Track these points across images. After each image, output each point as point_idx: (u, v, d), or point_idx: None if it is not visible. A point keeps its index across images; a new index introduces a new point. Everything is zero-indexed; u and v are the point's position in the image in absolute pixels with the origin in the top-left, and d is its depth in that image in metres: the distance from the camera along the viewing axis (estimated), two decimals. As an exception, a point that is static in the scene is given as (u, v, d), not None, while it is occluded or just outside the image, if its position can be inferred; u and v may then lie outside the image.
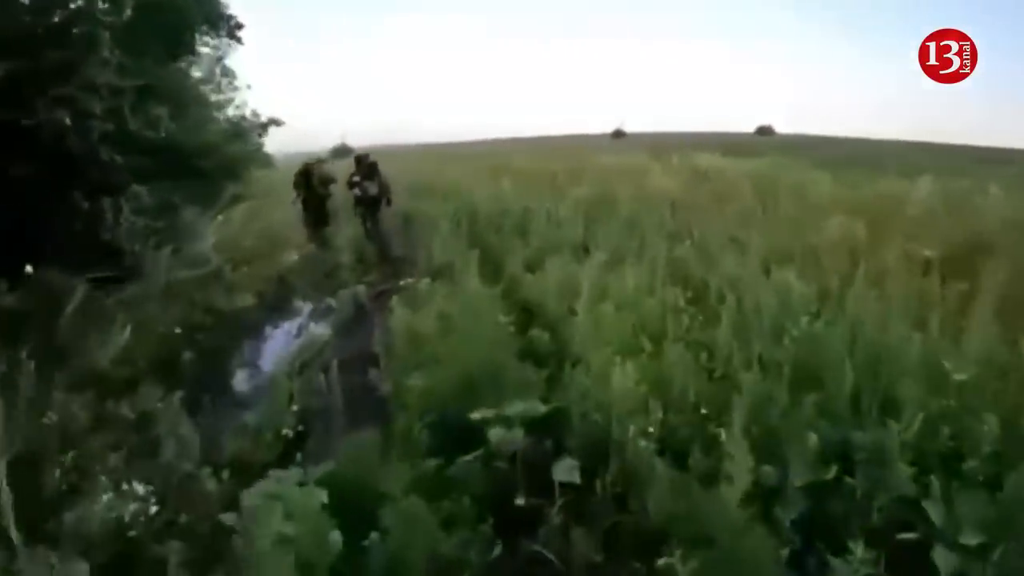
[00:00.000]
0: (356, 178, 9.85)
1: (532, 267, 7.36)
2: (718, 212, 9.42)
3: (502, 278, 7.05)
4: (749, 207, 9.58)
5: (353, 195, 9.94)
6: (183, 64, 13.51)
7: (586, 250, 7.90)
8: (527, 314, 6.08)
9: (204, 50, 14.53)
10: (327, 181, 10.98)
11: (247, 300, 7.19)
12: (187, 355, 5.67)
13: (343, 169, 11.38)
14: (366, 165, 10.05)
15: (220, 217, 8.88)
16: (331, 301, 7.19)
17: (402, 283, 6.86)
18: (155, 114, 8.28)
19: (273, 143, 16.07)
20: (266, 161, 17.78)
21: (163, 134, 8.46)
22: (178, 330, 6.26)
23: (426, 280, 6.47)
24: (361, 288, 7.26)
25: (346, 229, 10.43)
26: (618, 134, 42.90)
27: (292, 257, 8.63)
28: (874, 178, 14.06)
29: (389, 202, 10.21)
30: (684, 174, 15.13)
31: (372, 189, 9.78)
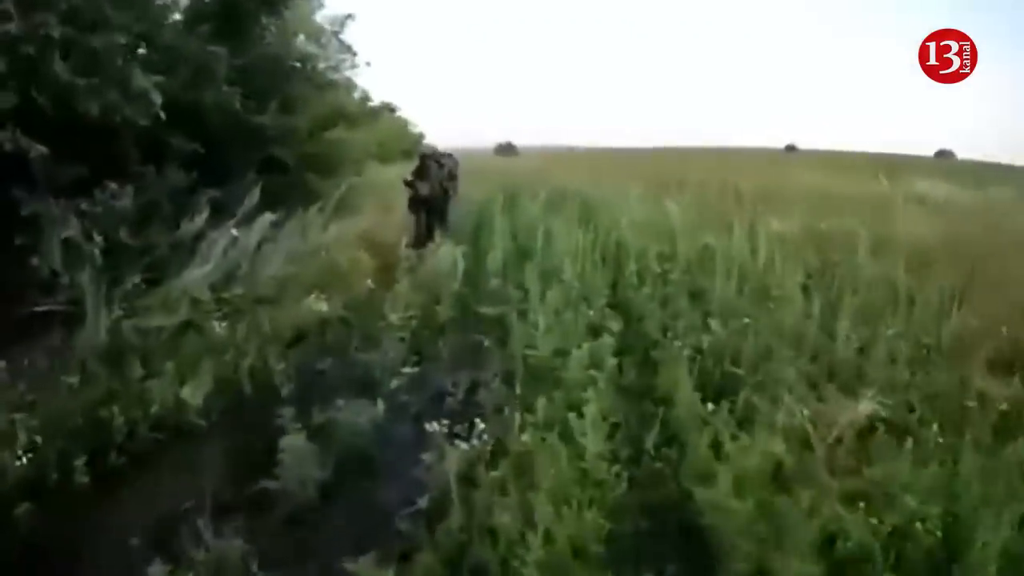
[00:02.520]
0: (409, 177, 8.90)
1: (709, 388, 3.66)
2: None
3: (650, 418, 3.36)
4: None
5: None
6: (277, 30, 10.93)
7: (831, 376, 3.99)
8: None
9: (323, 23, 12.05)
10: (451, 176, 9.86)
11: (196, 397, 4.01)
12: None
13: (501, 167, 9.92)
14: (423, 163, 9.03)
15: (235, 231, 5.80)
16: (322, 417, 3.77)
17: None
18: (139, 86, 5.39)
19: (434, 138, 13.99)
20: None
21: (156, 112, 5.61)
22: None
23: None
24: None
25: (442, 250, 7.05)
26: (791, 148, 39.37)
27: (321, 305, 5.37)
28: None
29: (448, 194, 9.38)
30: (928, 208, 10.14)
31: (424, 189, 8.63)
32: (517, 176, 16.80)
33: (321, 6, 12.06)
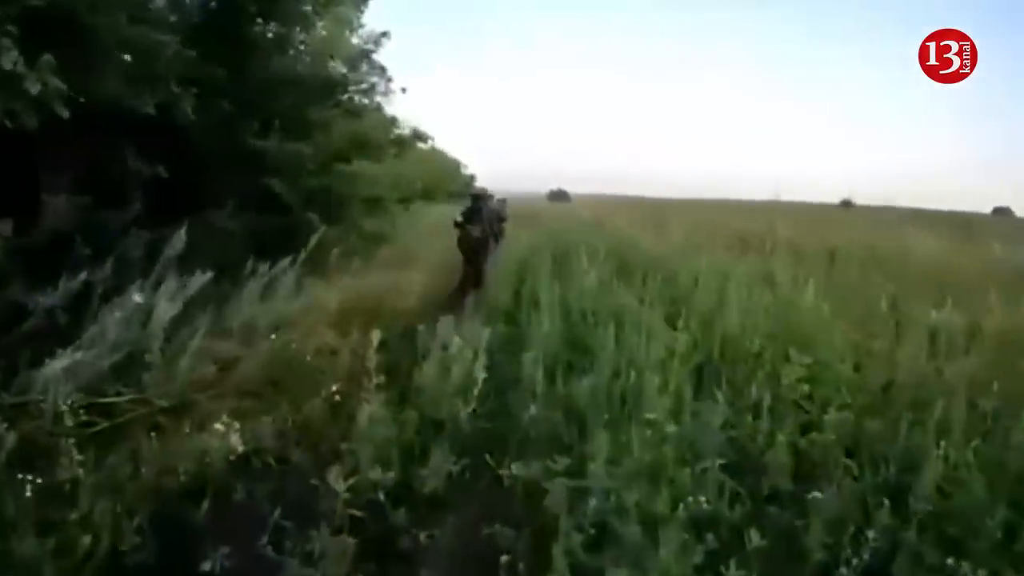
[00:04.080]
0: (459, 218, 8.36)
1: None
2: None
3: None
4: None
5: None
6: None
7: None
8: None
9: (354, 40, 10.35)
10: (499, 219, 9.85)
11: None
12: None
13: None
14: (473, 206, 8.44)
15: (139, 297, 3.77)
16: None
17: None
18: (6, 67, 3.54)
19: (485, 182, 12.78)
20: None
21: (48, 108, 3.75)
22: None
23: None
24: None
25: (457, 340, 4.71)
26: (846, 203, 38.45)
27: (232, 439, 3.18)
28: None
29: (497, 238, 9.18)
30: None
31: (475, 232, 8.23)
32: (571, 225, 14.80)
33: (361, 26, 10.42)
